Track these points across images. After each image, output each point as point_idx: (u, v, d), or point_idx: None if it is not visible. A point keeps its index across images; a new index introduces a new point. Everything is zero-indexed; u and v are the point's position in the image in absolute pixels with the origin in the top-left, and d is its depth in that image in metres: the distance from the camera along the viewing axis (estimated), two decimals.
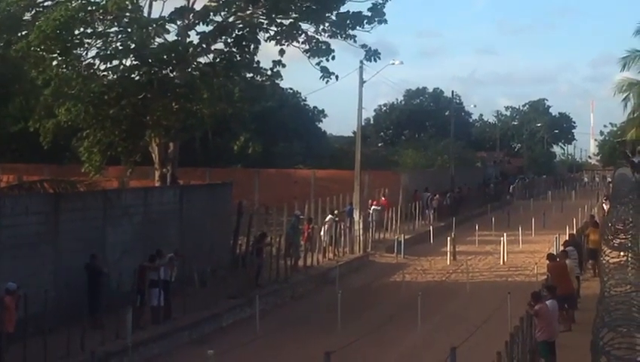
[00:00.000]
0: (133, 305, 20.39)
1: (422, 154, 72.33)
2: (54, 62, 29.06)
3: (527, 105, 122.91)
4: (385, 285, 31.75)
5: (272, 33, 31.49)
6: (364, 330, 21.79)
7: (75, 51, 28.86)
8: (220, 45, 30.97)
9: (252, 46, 31.07)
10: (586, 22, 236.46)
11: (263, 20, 31.34)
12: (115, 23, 28.94)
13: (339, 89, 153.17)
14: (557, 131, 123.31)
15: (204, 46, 30.87)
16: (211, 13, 30.51)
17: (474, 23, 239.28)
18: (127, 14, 28.51)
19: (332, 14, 31.51)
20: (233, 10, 30.85)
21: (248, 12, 30.90)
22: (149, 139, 31.05)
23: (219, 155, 54.61)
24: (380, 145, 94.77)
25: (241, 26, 30.96)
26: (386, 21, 31.80)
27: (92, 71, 29.63)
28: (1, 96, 29.98)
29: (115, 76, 29.61)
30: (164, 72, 29.64)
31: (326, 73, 31.92)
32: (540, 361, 17.52)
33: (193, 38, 30.80)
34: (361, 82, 43.03)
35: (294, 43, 31.76)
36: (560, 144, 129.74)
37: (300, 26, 31.45)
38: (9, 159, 47.78)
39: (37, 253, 20.35)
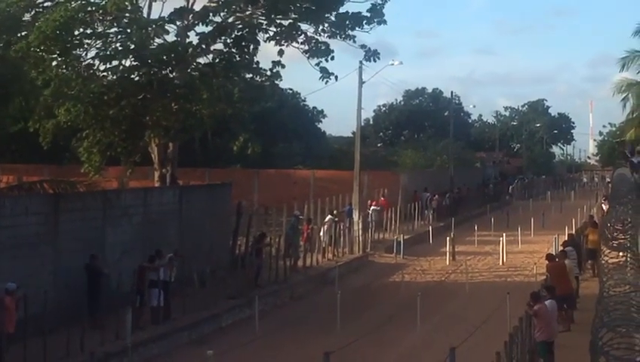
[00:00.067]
0: (132, 306, 20.39)
1: (421, 154, 72.22)
2: (54, 63, 29.11)
3: (526, 106, 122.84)
4: (384, 285, 31.74)
5: (271, 34, 31.53)
6: (364, 330, 21.79)
7: (74, 52, 28.90)
8: (219, 46, 31.04)
9: (251, 46, 31.06)
10: (584, 22, 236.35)
11: (262, 21, 31.36)
12: (115, 24, 28.98)
13: (338, 89, 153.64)
14: (556, 131, 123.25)
15: (203, 46, 30.88)
16: (211, 14, 30.55)
17: (473, 23, 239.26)
18: (127, 15, 28.56)
19: (331, 15, 31.54)
20: (232, 10, 30.87)
21: (248, 12, 30.92)
22: (148, 139, 31.06)
23: (218, 156, 54.55)
24: (379, 145, 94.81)
25: (240, 26, 30.98)
26: (385, 21, 31.91)
27: (92, 71, 29.67)
28: (1, 97, 29.92)
29: (114, 77, 29.66)
30: (163, 72, 29.67)
31: (325, 73, 31.96)
32: (539, 361, 17.55)
33: (193, 38, 30.91)
34: (361, 82, 43.08)
35: (294, 43, 31.80)
36: (559, 144, 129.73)
37: (299, 26, 31.49)
38: (9, 159, 47.80)
39: (37, 253, 20.35)
